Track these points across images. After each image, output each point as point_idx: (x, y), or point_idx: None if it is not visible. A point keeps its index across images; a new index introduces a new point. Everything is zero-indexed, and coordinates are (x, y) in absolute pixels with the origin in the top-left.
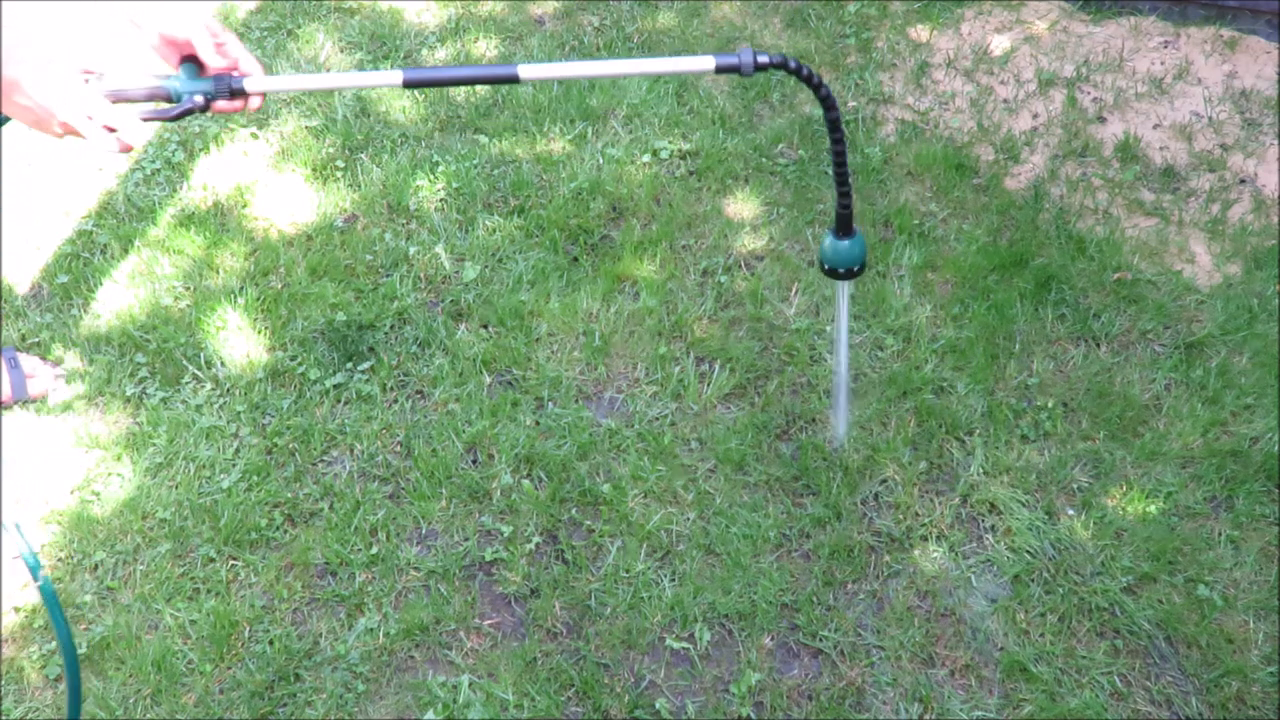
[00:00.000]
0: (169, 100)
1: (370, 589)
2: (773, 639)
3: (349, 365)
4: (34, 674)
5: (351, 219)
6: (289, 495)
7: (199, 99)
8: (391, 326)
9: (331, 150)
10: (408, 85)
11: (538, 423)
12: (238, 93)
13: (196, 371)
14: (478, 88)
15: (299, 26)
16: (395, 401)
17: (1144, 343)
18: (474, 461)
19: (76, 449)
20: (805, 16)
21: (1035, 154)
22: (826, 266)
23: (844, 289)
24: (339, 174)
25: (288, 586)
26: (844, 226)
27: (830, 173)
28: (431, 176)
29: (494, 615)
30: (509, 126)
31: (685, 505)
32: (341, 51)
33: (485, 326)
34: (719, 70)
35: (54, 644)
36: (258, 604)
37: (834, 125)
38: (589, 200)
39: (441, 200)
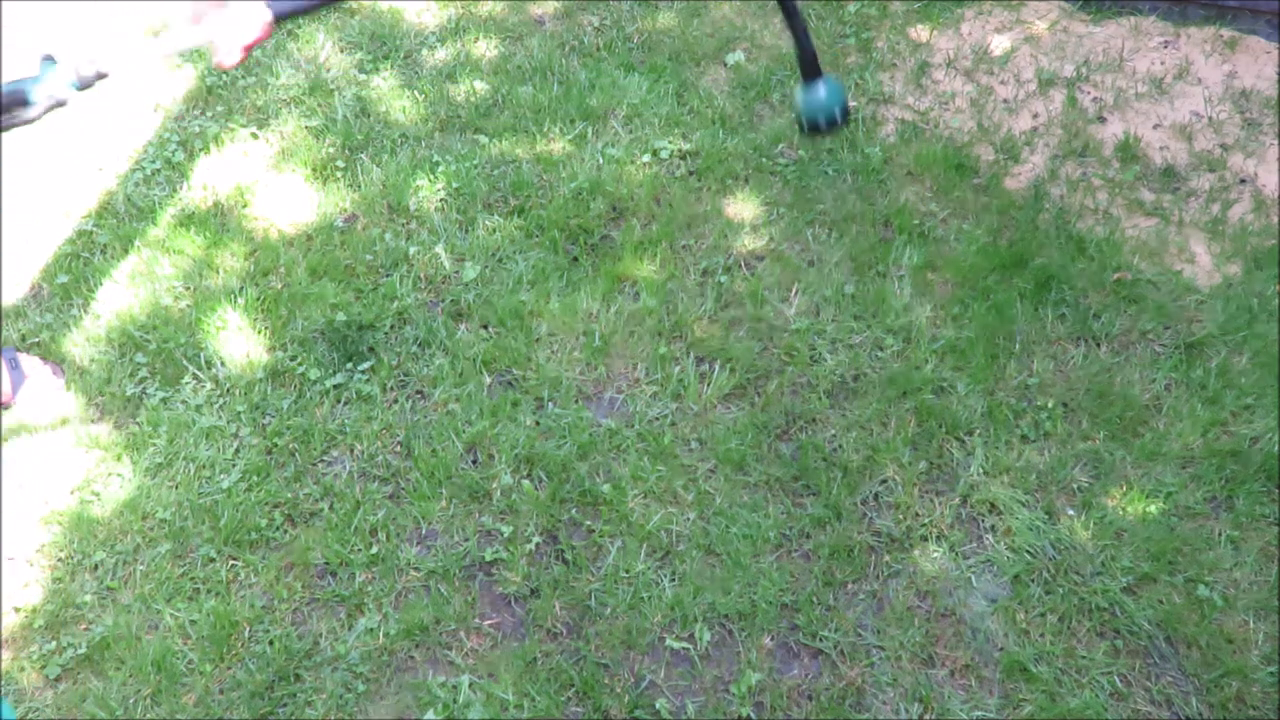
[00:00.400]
0: (25, 104)
1: (370, 589)
2: (773, 639)
3: (349, 365)
4: (34, 674)
5: (351, 219)
6: (289, 495)
7: (61, 96)
8: (391, 326)
9: (331, 150)
10: (279, 19)
11: (538, 423)
12: (102, 75)
13: (196, 371)
14: (477, 87)
15: (299, 26)
16: (395, 401)
17: (1144, 343)
18: (474, 461)
19: (76, 449)
20: (805, 16)
21: (1035, 154)
22: (806, 123)
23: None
24: (339, 174)
25: (288, 586)
26: (810, 68)
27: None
28: (431, 176)
29: (494, 615)
30: (509, 126)
31: (685, 505)
32: (342, 52)
33: (485, 326)
34: None
35: (54, 644)
36: (258, 604)
37: None
38: (589, 200)
39: (441, 200)
